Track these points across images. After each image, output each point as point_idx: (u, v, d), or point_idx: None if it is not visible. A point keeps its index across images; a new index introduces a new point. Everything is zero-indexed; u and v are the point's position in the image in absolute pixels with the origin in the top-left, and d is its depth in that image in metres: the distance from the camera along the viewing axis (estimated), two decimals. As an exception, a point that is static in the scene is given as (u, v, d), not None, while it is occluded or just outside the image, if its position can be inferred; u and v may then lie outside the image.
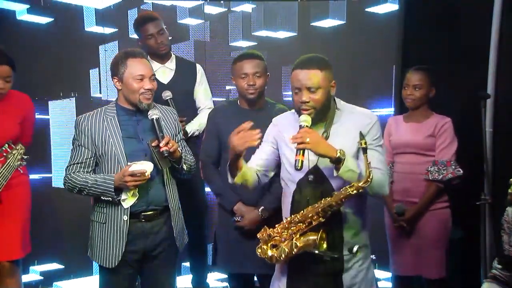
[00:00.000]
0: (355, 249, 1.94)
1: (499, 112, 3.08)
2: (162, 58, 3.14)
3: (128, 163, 2.25)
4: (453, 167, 2.72)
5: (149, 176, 2.23)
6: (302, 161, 1.90)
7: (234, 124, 2.47)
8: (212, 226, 3.34)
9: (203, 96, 3.24)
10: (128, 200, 2.28)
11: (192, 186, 3.01)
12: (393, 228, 2.84)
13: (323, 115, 2.04)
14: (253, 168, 2.17)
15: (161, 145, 2.22)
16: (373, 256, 3.16)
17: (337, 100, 2.12)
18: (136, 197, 2.28)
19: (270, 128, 2.24)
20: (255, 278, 2.81)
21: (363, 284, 2.08)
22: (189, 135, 3.04)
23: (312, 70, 1.99)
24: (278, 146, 2.18)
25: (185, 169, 2.36)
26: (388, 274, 3.24)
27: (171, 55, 3.21)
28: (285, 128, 2.14)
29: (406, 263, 2.81)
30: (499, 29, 3.06)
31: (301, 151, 1.91)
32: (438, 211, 2.76)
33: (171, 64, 3.19)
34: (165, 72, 3.13)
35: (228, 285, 2.87)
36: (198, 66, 3.26)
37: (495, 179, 2.91)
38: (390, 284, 3.22)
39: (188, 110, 3.12)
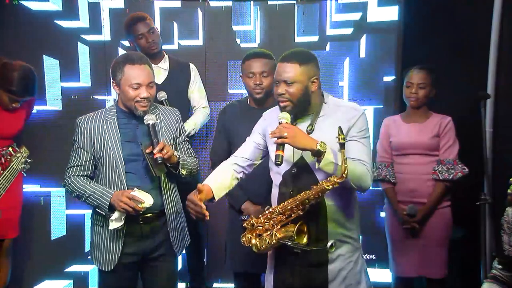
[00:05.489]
0: (329, 244, 1.92)
1: (499, 112, 3.08)
2: (155, 58, 3.12)
3: (135, 188, 2.20)
4: (460, 165, 2.73)
5: (143, 209, 2.16)
6: (282, 156, 1.90)
7: (242, 123, 2.48)
8: (208, 226, 3.33)
9: (198, 95, 3.24)
10: (115, 222, 2.21)
11: (189, 187, 2.98)
12: (397, 229, 2.82)
13: (302, 109, 2.05)
14: (230, 171, 2.18)
15: (154, 151, 2.16)
16: (373, 256, 3.19)
17: (325, 94, 2.13)
18: (122, 223, 2.22)
19: (260, 121, 2.26)
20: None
21: (349, 277, 2.07)
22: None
23: (290, 63, 2.00)
24: (266, 138, 2.19)
25: (184, 174, 2.31)
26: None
27: (164, 55, 3.20)
28: (271, 122, 2.14)
29: (410, 264, 2.80)
30: (499, 29, 3.05)
31: (281, 146, 1.91)
32: (441, 210, 2.77)
33: (165, 64, 3.18)
34: (159, 72, 3.12)
35: (234, 285, 2.86)
36: (192, 65, 3.25)
37: (495, 179, 2.91)
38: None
39: (183, 110, 3.09)
